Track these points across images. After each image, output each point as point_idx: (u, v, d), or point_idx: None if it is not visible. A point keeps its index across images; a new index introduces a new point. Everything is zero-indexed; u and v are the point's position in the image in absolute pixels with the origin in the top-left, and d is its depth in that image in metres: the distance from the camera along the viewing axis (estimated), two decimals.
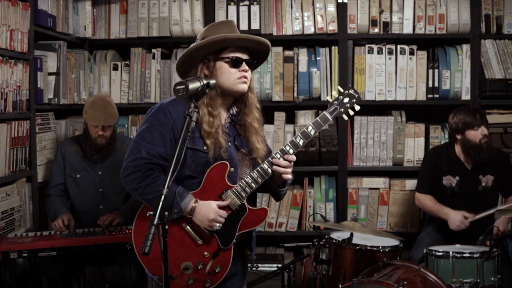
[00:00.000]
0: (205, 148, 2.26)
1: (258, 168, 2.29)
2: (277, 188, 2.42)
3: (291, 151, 2.31)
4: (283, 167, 2.29)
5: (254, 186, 2.28)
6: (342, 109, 2.39)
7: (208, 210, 2.22)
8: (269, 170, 2.29)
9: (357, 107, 2.42)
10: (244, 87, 2.33)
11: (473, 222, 3.38)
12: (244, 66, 2.32)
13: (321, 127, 2.36)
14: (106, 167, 3.50)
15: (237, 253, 2.40)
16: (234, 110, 2.40)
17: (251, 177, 2.28)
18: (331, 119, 2.38)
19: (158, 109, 2.29)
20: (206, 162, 2.27)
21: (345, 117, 2.43)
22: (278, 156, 2.29)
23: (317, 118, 2.36)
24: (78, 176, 3.48)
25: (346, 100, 2.39)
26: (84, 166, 3.49)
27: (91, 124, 3.41)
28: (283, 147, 2.31)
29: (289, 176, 2.32)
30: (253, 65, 2.41)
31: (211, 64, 2.31)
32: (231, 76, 2.30)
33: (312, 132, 2.34)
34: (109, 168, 3.49)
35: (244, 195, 2.28)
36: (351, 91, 2.41)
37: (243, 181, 2.29)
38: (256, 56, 2.41)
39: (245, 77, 2.32)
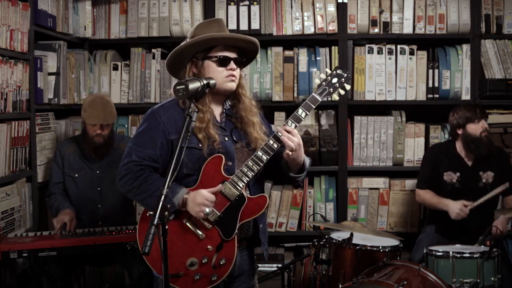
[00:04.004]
0: (200, 145, 2.28)
1: (252, 156, 2.29)
2: (293, 175, 2.41)
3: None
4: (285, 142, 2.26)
5: (251, 175, 2.27)
6: (332, 89, 2.39)
7: (195, 195, 2.22)
8: (264, 157, 2.28)
9: (348, 86, 2.42)
10: (232, 85, 2.35)
11: (473, 222, 3.41)
12: (232, 65, 2.33)
13: (311, 109, 2.34)
14: (104, 166, 3.50)
15: (245, 252, 2.41)
16: (227, 104, 2.42)
17: (246, 166, 2.28)
18: (320, 99, 2.37)
19: (149, 114, 2.35)
20: (201, 158, 2.28)
21: (336, 97, 2.42)
22: (271, 142, 2.28)
23: (306, 100, 2.36)
24: (77, 175, 3.48)
25: (334, 80, 2.40)
26: (83, 165, 3.49)
27: (89, 123, 3.41)
28: (275, 133, 2.30)
29: (292, 145, 2.25)
30: (242, 63, 2.43)
31: (199, 63, 2.34)
32: (219, 75, 2.32)
33: (303, 115, 2.33)
34: (107, 167, 3.49)
35: (241, 184, 2.27)
36: (339, 71, 2.41)
37: (239, 170, 2.28)
38: (245, 54, 2.42)
39: (233, 75, 2.34)
